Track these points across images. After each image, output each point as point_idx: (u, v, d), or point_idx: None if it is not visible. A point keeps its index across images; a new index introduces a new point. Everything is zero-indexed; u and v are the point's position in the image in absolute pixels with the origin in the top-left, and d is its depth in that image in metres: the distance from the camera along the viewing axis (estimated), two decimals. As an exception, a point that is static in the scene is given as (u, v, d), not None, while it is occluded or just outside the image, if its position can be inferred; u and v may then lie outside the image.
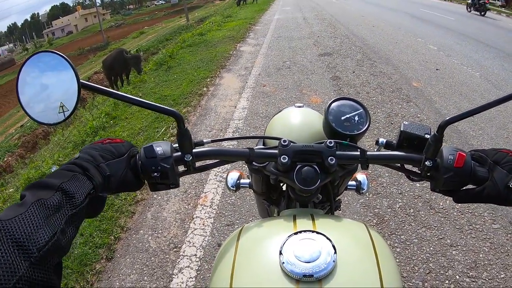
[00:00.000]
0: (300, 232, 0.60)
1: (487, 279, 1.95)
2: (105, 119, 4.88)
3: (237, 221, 2.46)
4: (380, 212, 2.47)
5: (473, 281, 1.94)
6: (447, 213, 2.43)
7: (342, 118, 0.76)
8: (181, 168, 0.70)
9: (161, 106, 0.63)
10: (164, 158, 0.64)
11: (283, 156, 0.67)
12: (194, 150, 0.69)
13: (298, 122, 0.89)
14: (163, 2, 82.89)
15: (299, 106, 0.94)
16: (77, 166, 0.55)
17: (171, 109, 0.64)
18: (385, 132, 3.68)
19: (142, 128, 4.21)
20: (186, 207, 2.67)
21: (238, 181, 1.04)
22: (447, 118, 0.62)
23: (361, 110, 0.77)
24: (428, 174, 0.68)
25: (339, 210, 1.01)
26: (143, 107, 0.63)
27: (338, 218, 0.70)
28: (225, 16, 15.79)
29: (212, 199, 2.73)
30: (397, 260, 2.09)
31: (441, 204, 2.51)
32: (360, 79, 5.45)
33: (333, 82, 5.33)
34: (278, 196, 0.96)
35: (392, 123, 3.85)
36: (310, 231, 0.60)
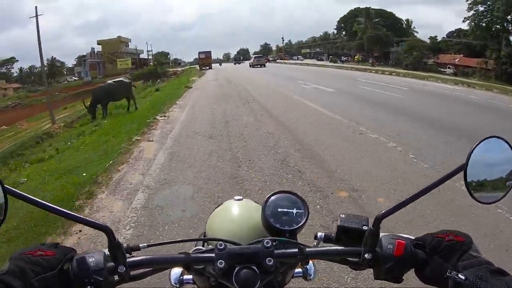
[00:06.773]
0: None
1: None
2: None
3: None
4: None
5: None
6: None
7: (280, 212, 0.73)
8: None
9: (92, 220, 0.63)
10: (97, 270, 0.60)
11: (219, 261, 0.63)
12: (128, 260, 0.64)
13: (237, 217, 0.83)
14: (76, 78, 72.16)
15: (239, 199, 0.87)
16: (3, 284, 0.50)
17: (101, 223, 0.63)
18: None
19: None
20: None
21: (181, 277, 0.90)
22: (383, 212, 0.62)
23: (300, 202, 0.75)
24: (370, 264, 0.65)
25: None
26: (74, 221, 0.63)
27: None
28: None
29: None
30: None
31: None
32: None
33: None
34: None
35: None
36: None
